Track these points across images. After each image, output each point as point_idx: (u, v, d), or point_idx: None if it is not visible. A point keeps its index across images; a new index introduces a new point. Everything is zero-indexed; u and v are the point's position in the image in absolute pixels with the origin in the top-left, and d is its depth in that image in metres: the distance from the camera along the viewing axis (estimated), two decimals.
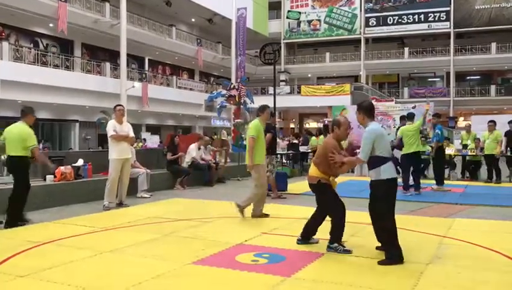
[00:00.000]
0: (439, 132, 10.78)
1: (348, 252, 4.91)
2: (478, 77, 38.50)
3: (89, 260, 4.76)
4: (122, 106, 8.52)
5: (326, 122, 29.30)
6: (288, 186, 10.65)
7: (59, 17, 20.14)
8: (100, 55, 26.86)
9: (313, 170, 5.17)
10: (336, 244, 4.96)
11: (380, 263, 4.52)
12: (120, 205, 8.26)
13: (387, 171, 4.65)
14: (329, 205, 5.05)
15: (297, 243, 5.28)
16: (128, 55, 23.99)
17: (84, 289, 3.85)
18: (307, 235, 5.30)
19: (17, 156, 6.44)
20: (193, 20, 33.87)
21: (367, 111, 4.86)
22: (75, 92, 21.34)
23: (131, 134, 8.37)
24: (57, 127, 24.37)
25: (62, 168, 8.66)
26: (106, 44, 26.21)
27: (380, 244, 4.93)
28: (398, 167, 4.87)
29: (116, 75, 24.22)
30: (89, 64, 24.21)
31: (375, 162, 4.69)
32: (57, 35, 23.32)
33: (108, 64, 24.68)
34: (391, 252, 4.58)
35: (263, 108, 7.36)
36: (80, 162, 9.26)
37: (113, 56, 26.30)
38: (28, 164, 6.58)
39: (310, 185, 5.23)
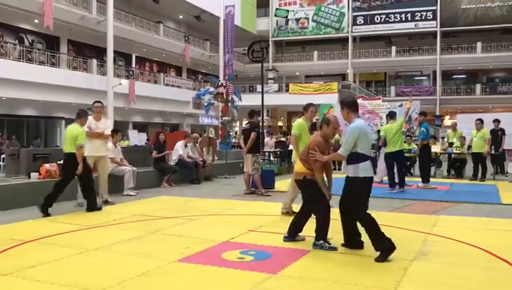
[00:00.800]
0: (424, 130, 10.89)
1: (334, 249, 4.93)
2: (464, 76, 38.91)
3: (74, 258, 4.72)
4: (100, 102, 8.38)
5: (314, 120, 29.44)
6: (275, 184, 10.67)
7: (44, 13, 19.91)
8: (86, 52, 26.62)
9: (299, 166, 5.19)
10: (321, 242, 4.97)
11: (377, 259, 4.52)
12: (106, 203, 8.16)
13: (365, 169, 4.70)
14: (314, 201, 5.05)
15: (284, 241, 5.29)
16: (115, 52, 23.83)
17: (68, 287, 3.82)
18: (293, 232, 5.32)
19: (71, 152, 7.31)
20: (181, 17, 33.73)
21: (350, 106, 4.89)
22: (61, 89, 21.13)
23: (108, 131, 8.27)
24: (43, 124, 24.12)
25: (47, 165, 8.57)
26: (93, 41, 25.98)
27: (344, 242, 5.01)
28: (375, 168, 4.92)
29: (102, 72, 24.02)
30: (75, 61, 23.99)
31: (354, 158, 4.73)
32: (43, 32, 23.06)
33: (94, 61, 24.45)
34: (382, 245, 4.59)
35: (307, 106, 7.24)
36: None
37: (99, 53, 26.08)
38: (76, 160, 7.30)
39: (296, 181, 5.25)
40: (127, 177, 9.47)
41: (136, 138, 21.92)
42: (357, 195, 4.76)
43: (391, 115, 10.52)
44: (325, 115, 21.79)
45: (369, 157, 4.77)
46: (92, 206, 7.48)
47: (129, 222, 6.59)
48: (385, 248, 4.57)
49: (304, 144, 6.81)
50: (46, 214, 7.05)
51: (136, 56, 30.78)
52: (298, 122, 7.10)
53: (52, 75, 20.96)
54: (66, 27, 23.43)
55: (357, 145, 4.69)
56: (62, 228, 6.12)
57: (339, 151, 4.87)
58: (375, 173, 4.87)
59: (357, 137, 4.67)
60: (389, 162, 10.22)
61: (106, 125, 8.30)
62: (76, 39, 25.99)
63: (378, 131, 11.43)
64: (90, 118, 8.12)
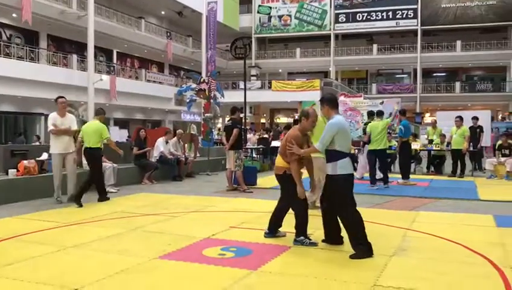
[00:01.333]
0: (402, 128, 11.02)
1: (314, 244, 4.96)
2: (444, 74, 39.45)
3: (52, 255, 4.66)
4: (64, 97, 8.13)
5: (296, 117, 29.58)
6: (257, 181, 10.68)
7: (23, 7, 19.55)
8: (67, 47, 26.23)
9: (279, 161, 5.18)
10: (301, 237, 4.99)
11: (352, 256, 4.56)
12: (71, 200, 8.00)
13: (344, 166, 4.69)
14: (294, 197, 5.02)
15: (265, 237, 5.30)
16: (95, 47, 23.51)
17: (46, 285, 3.77)
18: (274, 228, 5.33)
19: (94, 147, 7.92)
20: (163, 12, 33.45)
21: (330, 103, 4.90)
22: (41, 85, 20.78)
23: (74, 127, 8.07)
24: (21, 120, 23.72)
25: (25, 162, 8.44)
26: (73, 36, 25.62)
27: (325, 237, 5.05)
28: (355, 163, 4.94)
29: (83, 67, 23.70)
30: (55, 56, 23.62)
31: (332, 156, 4.73)
32: (21, 26, 22.64)
33: (75, 57, 24.11)
34: (359, 246, 4.60)
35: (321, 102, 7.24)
36: (45, 156, 9.02)
37: (80, 48, 25.74)
38: (101, 154, 8.12)
39: (276, 176, 5.24)
40: (107, 174, 9.36)
41: (117, 135, 21.78)
42: (337, 193, 4.76)
43: (379, 114, 10.71)
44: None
45: (348, 155, 4.76)
46: (104, 196, 8.18)
47: (109, 219, 6.53)
48: (362, 251, 4.57)
49: (315, 139, 6.85)
50: (106, 198, 8.07)
51: (117, 52, 30.44)
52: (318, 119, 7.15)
53: (31, 70, 20.61)
54: (46, 22, 23.05)
55: (335, 142, 4.68)
56: (40, 225, 6.03)
57: (315, 145, 4.86)
58: (355, 169, 4.88)
59: (336, 133, 4.67)
60: (372, 159, 10.38)
61: (71, 120, 8.09)
62: (56, 34, 25.59)
63: (368, 124, 11.54)
64: (53, 114, 7.95)
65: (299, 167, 5.08)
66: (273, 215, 5.33)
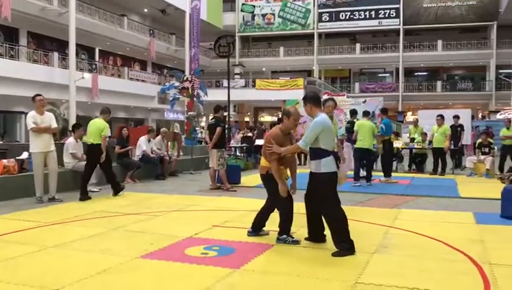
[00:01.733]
0: (383, 127, 11.15)
1: (297, 242, 4.98)
2: (425, 73, 39.93)
3: (33, 255, 4.59)
4: (41, 95, 8.02)
5: (280, 115, 29.64)
6: (241, 179, 10.68)
7: (2, 3, 19.20)
8: (48, 44, 25.86)
9: (262, 161, 5.17)
10: (284, 236, 5.01)
11: (334, 254, 4.59)
12: (52, 200, 7.95)
13: (327, 164, 4.70)
14: (277, 196, 5.01)
15: (248, 235, 5.30)
16: (77, 45, 23.25)
17: (25, 286, 3.71)
18: (257, 227, 5.33)
19: (95, 143, 8.34)
20: (146, 10, 33.20)
21: (313, 101, 4.89)
22: (21, 83, 20.44)
23: (54, 125, 7.98)
24: (1, 118, 23.32)
25: (5, 161, 8.31)
26: (54, 33, 25.24)
27: (308, 235, 5.08)
28: (338, 162, 4.95)
29: (64, 65, 23.42)
30: (35, 53, 23.30)
31: (317, 154, 4.74)
32: (1, 23, 22.22)
33: (56, 54, 23.81)
34: (342, 244, 4.64)
35: (324, 101, 7.27)
36: (25, 155, 8.89)
37: (61, 46, 25.40)
38: (101, 150, 8.37)
39: (260, 176, 5.24)
40: None
41: None
42: (321, 191, 4.78)
43: (365, 113, 11.00)
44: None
45: (332, 153, 4.78)
46: (118, 189, 8.62)
47: (91, 219, 6.47)
48: (344, 248, 4.61)
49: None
50: (87, 197, 8.14)
51: (99, 49, 30.09)
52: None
53: (11, 68, 20.29)
54: (26, 18, 22.67)
55: (319, 140, 4.68)
56: (20, 225, 5.94)
57: (298, 142, 4.83)
58: (337, 167, 4.90)
59: (320, 132, 4.66)
60: (358, 156, 10.58)
61: (51, 118, 7.98)
62: (37, 31, 25.18)
63: (350, 122, 11.71)
64: (32, 112, 7.82)
65: (282, 166, 5.08)
66: (259, 214, 5.34)
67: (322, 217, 4.90)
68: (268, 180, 5.08)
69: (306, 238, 5.08)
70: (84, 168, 8.52)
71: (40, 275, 3.99)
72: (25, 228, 5.80)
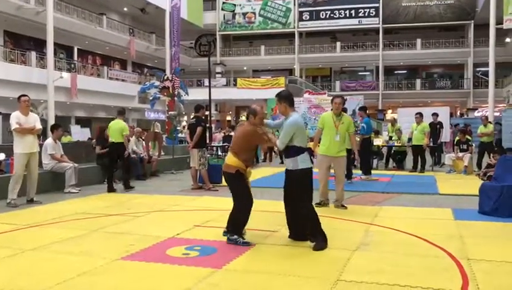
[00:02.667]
0: (365, 126, 11.21)
1: (248, 244, 4.90)
2: (405, 72, 40.38)
3: (9, 259, 4.50)
4: (27, 96, 7.89)
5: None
6: (222, 179, 10.63)
7: None
8: (25, 43, 25.45)
9: (231, 159, 5.01)
10: (235, 237, 4.93)
11: (315, 248, 4.71)
12: (31, 202, 7.82)
13: (304, 161, 4.86)
14: (239, 195, 4.99)
15: (224, 235, 5.15)
16: (55, 44, 22.88)
17: (3, 289, 3.64)
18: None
19: (117, 142, 9.40)
20: (125, 9, 32.89)
21: (288, 100, 4.99)
22: None
23: (38, 126, 7.85)
24: None
25: None
26: (31, 32, 24.85)
27: (290, 234, 5.12)
28: (312, 157, 5.07)
29: (42, 65, 23.04)
30: (12, 53, 22.87)
31: (292, 152, 4.86)
32: None
33: (33, 54, 23.41)
34: (318, 238, 4.78)
35: (331, 99, 7.45)
36: (2, 156, 8.75)
37: (39, 45, 25.01)
38: (124, 147, 9.52)
39: (225, 174, 5.07)
40: (68, 174, 9.15)
41: (79, 133, 21.31)
42: (299, 186, 4.87)
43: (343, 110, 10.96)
44: (272, 110, 21.90)
45: (306, 149, 4.91)
46: (129, 186, 9.59)
47: (70, 220, 6.37)
48: (321, 243, 4.77)
49: (326, 137, 7.01)
50: (113, 190, 9.24)
51: (78, 49, 29.70)
52: (322, 116, 7.37)
53: None
54: (2, 17, 22.28)
55: (293, 139, 4.84)
56: None
57: (277, 142, 4.97)
58: (312, 163, 4.99)
59: (295, 132, 4.82)
60: None
61: (35, 119, 7.87)
62: (14, 30, 24.77)
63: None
64: (16, 112, 7.67)
65: (247, 167, 5.10)
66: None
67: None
68: (236, 179, 4.99)
69: (289, 237, 5.09)
70: (106, 164, 9.82)
71: (17, 278, 3.92)
72: (2, 231, 5.68)
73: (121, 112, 9.93)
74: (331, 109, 7.50)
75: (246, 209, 4.96)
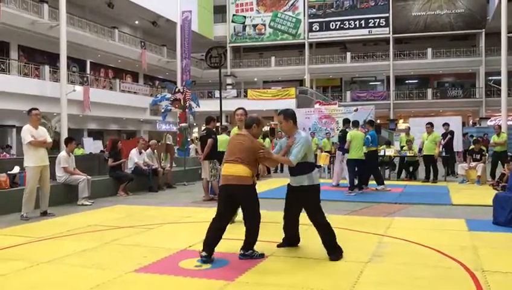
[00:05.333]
0: (370, 138, 11.19)
1: (263, 256, 4.90)
2: (416, 81, 40.22)
3: (24, 271, 4.55)
4: (37, 109, 7.95)
5: (272, 125, 29.68)
6: None
7: None
8: (38, 57, 25.82)
9: (244, 170, 4.71)
10: (251, 251, 4.87)
11: (332, 258, 4.77)
12: (44, 214, 7.88)
13: (316, 177, 5.00)
14: (256, 210, 4.88)
15: (240, 258, 4.90)
16: (68, 58, 23.21)
17: None
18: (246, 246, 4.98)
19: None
20: (137, 22, 33.29)
21: (294, 118, 5.03)
22: (12, 96, 20.40)
23: (49, 139, 7.94)
24: None
25: None
26: (45, 46, 25.23)
27: (282, 242, 5.29)
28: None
29: (55, 78, 23.35)
30: (26, 67, 23.22)
31: (306, 168, 4.91)
32: None
33: (47, 68, 23.75)
34: (336, 251, 4.86)
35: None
36: (16, 169, 8.84)
37: (52, 59, 25.34)
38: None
39: (238, 187, 4.71)
40: (81, 186, 9.23)
41: (92, 146, 21.51)
42: (314, 201, 4.96)
43: (355, 124, 11.09)
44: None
45: (316, 166, 4.98)
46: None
47: (84, 233, 6.42)
48: (339, 254, 4.85)
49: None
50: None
51: (90, 62, 30.08)
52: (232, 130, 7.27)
53: (2, 82, 20.23)
54: (16, 32, 22.69)
55: (306, 155, 4.88)
56: (12, 241, 5.89)
57: (290, 158, 4.80)
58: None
59: (308, 148, 4.89)
60: (352, 166, 10.64)
61: (45, 132, 7.93)
62: (28, 45, 25.17)
63: (343, 131, 11.79)
64: (27, 126, 7.72)
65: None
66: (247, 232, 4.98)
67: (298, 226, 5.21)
68: (254, 191, 4.90)
69: (278, 245, 5.27)
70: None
71: None
72: (16, 243, 5.74)
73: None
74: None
75: (259, 221, 4.92)
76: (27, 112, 7.96)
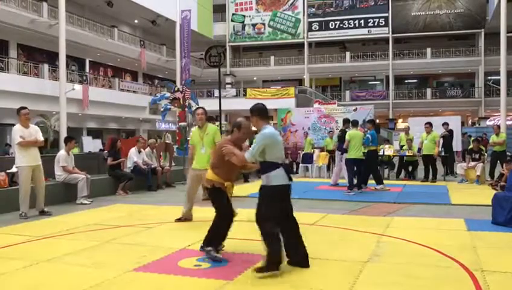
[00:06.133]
0: (370, 137, 11.21)
1: (219, 260, 4.76)
2: (415, 81, 40.25)
3: (23, 270, 4.55)
4: (26, 108, 7.87)
5: (272, 124, 29.73)
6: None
7: None
8: (38, 56, 25.80)
9: (208, 174, 4.96)
10: (210, 248, 4.84)
11: (256, 270, 4.26)
12: (42, 213, 7.87)
13: (277, 177, 4.43)
14: (216, 209, 4.97)
15: (200, 250, 5.04)
16: (67, 56, 23.15)
17: None
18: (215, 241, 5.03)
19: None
20: (136, 21, 33.26)
21: (259, 113, 4.68)
22: (11, 95, 20.34)
23: (40, 138, 7.86)
24: None
25: None
26: (44, 45, 25.21)
27: (288, 259, 4.60)
28: (290, 174, 4.74)
29: (55, 77, 23.33)
30: (25, 65, 23.20)
31: (266, 167, 4.50)
32: None
33: (46, 66, 23.73)
34: (268, 258, 4.32)
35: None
36: (15, 168, 8.82)
37: (51, 57, 25.33)
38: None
39: (209, 189, 5.00)
40: (80, 185, 9.22)
41: (91, 145, 21.48)
42: (267, 202, 4.48)
43: (354, 123, 11.06)
44: (282, 120, 21.88)
45: (281, 165, 4.52)
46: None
47: (83, 232, 6.42)
48: (268, 265, 4.29)
49: (196, 151, 6.97)
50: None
51: (89, 61, 30.07)
52: (192, 132, 7.26)
53: (1, 80, 20.19)
54: (15, 31, 22.65)
55: (266, 153, 4.46)
56: (11, 239, 5.88)
57: (245, 155, 4.58)
58: (290, 179, 4.61)
59: (265, 145, 4.46)
60: (351, 166, 10.66)
61: (36, 131, 7.86)
62: (27, 43, 25.14)
63: (342, 131, 11.79)
64: (17, 126, 7.67)
65: (230, 181, 4.96)
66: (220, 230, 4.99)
67: (301, 237, 4.62)
68: (213, 193, 4.93)
69: (288, 262, 4.55)
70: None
71: None
72: (15, 242, 5.74)
73: (213, 118, 9.91)
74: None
75: (222, 223, 4.88)
76: (16, 111, 7.85)
